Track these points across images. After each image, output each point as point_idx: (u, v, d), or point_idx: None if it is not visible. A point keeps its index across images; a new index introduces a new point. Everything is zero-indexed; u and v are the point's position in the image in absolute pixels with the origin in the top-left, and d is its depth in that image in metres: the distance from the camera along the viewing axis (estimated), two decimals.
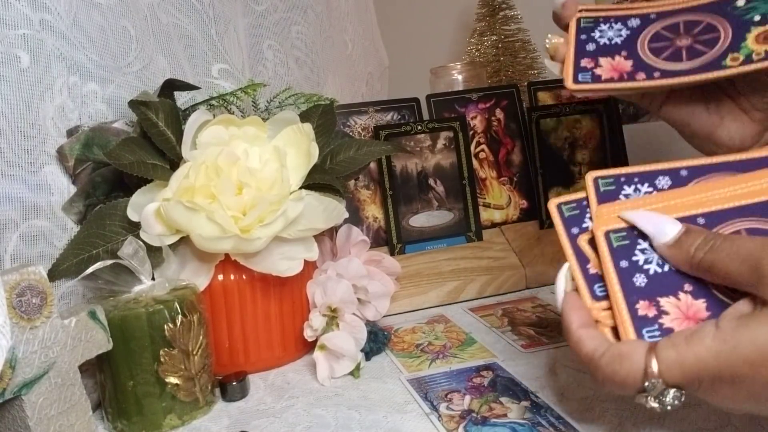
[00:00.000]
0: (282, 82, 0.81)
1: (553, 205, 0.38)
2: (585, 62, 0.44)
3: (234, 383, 0.49)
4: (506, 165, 0.78)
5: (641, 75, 0.42)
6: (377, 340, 0.55)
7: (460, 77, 0.94)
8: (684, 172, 0.37)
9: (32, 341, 0.38)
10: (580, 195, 0.37)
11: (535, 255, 0.71)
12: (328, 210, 0.53)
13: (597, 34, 0.45)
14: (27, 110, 0.47)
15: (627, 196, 0.36)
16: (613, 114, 0.78)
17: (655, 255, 0.34)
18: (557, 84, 0.89)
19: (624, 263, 0.34)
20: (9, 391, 0.37)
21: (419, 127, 0.74)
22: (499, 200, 0.77)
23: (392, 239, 0.71)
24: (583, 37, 0.45)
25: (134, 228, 0.50)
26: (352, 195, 0.73)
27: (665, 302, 0.32)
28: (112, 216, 0.50)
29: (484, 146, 0.78)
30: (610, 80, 0.42)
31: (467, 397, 0.45)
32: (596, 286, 0.34)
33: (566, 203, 0.38)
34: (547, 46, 0.46)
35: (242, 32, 0.77)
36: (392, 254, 0.71)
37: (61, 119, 0.50)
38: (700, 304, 0.32)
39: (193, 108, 0.58)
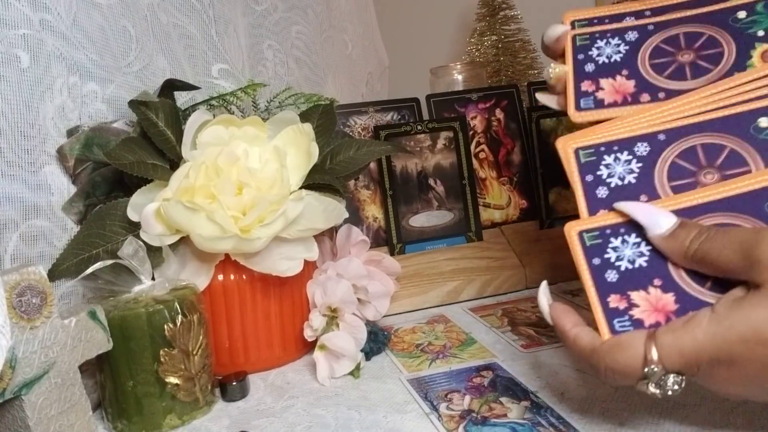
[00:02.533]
0: (282, 82, 0.81)
1: (573, 232, 0.37)
2: (586, 85, 0.42)
3: (234, 383, 0.49)
4: (506, 165, 0.78)
5: (645, 96, 0.40)
6: (377, 340, 0.55)
7: (460, 77, 0.94)
8: (662, 137, 0.38)
9: (32, 341, 0.38)
10: (602, 221, 0.37)
11: (535, 255, 0.71)
12: (328, 210, 0.53)
13: (595, 53, 0.43)
14: (27, 110, 0.47)
15: (608, 166, 0.38)
16: None
17: (627, 252, 0.35)
18: None
19: (596, 261, 0.36)
20: (9, 391, 0.37)
21: (419, 127, 0.74)
22: (499, 200, 0.77)
23: (392, 239, 0.71)
24: (581, 57, 0.43)
25: (134, 228, 0.50)
26: (352, 195, 0.73)
27: (635, 296, 0.34)
28: (112, 216, 0.50)
29: (484, 146, 0.78)
30: (614, 104, 0.41)
31: (467, 397, 0.45)
32: (616, 321, 0.34)
33: (588, 231, 0.37)
34: (551, 75, 0.43)
35: (242, 32, 0.77)
36: (392, 254, 0.71)
37: (61, 119, 0.50)
38: (669, 297, 0.33)
39: (193, 108, 0.58)
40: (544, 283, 0.38)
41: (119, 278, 0.47)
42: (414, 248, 0.72)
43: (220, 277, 0.53)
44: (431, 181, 0.74)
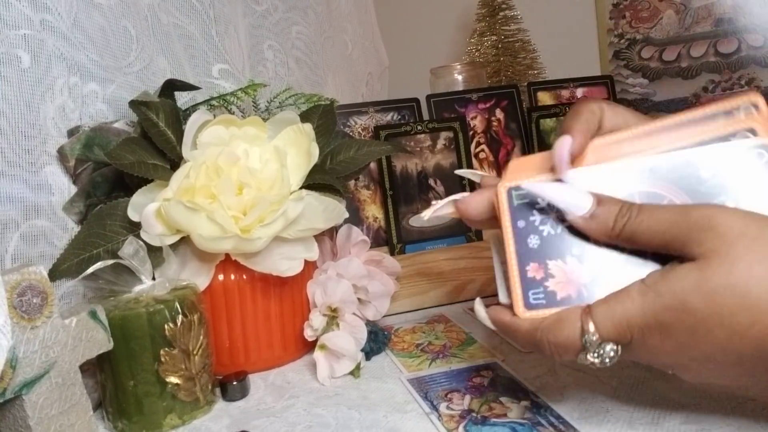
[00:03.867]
0: (282, 83, 0.81)
1: (503, 188, 0.35)
2: (532, 270, 0.34)
3: (234, 383, 0.49)
4: (506, 165, 0.78)
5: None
6: (377, 340, 0.55)
7: (460, 77, 0.94)
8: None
9: (33, 341, 0.38)
10: (533, 181, 0.34)
11: None
12: (328, 210, 0.53)
13: (537, 219, 0.34)
14: (28, 110, 0.47)
15: (541, 210, 0.34)
16: None
17: (551, 216, 0.34)
18: (557, 84, 0.89)
19: (521, 223, 0.34)
20: (10, 390, 0.37)
21: (419, 127, 0.74)
22: None
23: (392, 239, 0.71)
24: (521, 224, 0.34)
25: (135, 228, 0.50)
26: (352, 195, 0.73)
27: (553, 265, 0.33)
28: (113, 216, 0.50)
29: (484, 146, 0.79)
30: (567, 299, 0.33)
31: (467, 397, 0.45)
32: (531, 293, 0.33)
33: (517, 189, 0.35)
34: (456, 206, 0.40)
35: (243, 32, 0.77)
36: (392, 254, 0.71)
37: (61, 119, 0.50)
38: (584, 268, 0.33)
39: (194, 108, 0.58)
40: (478, 299, 0.37)
41: (120, 278, 0.47)
42: (414, 248, 0.72)
43: (221, 277, 0.53)
44: (431, 181, 0.74)
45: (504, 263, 0.35)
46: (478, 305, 0.37)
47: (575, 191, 0.33)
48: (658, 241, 0.31)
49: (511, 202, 0.35)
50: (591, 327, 0.31)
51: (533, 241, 0.34)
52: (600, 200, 0.32)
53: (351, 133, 0.75)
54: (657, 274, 0.30)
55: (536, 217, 0.34)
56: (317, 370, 0.51)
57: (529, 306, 0.33)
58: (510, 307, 0.35)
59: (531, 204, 0.34)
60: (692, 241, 0.29)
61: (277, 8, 0.84)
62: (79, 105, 0.52)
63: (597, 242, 0.33)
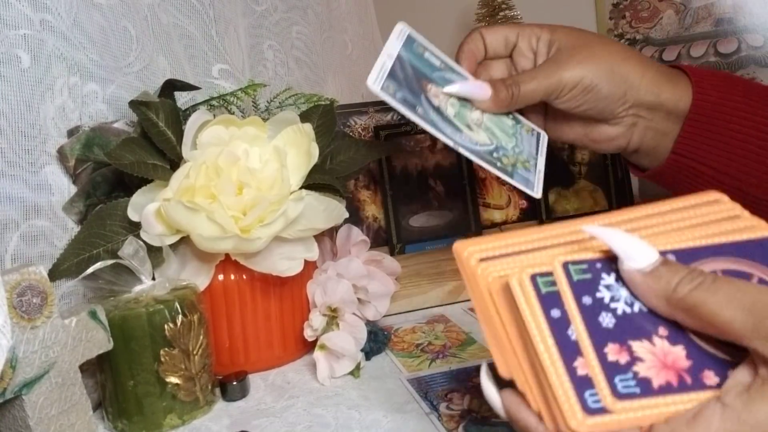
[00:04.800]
0: (282, 83, 0.81)
1: (557, 263, 0.29)
2: (613, 353, 0.27)
3: (234, 383, 0.49)
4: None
5: (710, 375, 0.27)
6: (377, 340, 0.55)
7: None
8: (671, 257, 0.29)
9: (33, 341, 0.38)
10: (590, 255, 0.29)
11: None
12: (328, 210, 0.53)
13: (606, 295, 0.29)
14: (27, 110, 0.47)
15: (608, 287, 0.29)
16: None
17: (624, 292, 0.28)
18: None
19: (587, 299, 0.28)
20: (9, 390, 0.37)
21: (419, 128, 0.74)
22: (499, 200, 0.77)
23: (392, 239, 0.71)
24: (587, 301, 0.28)
25: (135, 228, 0.50)
26: (352, 195, 0.73)
27: (638, 347, 0.27)
28: (113, 216, 0.50)
29: None
30: (668, 389, 0.27)
31: (467, 397, 0.45)
32: (618, 379, 0.27)
33: (575, 263, 0.29)
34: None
35: (242, 32, 0.77)
36: (392, 254, 0.71)
37: (61, 119, 0.50)
38: (679, 351, 0.27)
39: (194, 108, 0.58)
40: (484, 365, 0.31)
41: (120, 278, 0.47)
42: (414, 248, 0.72)
43: (221, 277, 0.53)
44: (431, 181, 0.74)
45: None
46: (486, 378, 0.30)
47: (639, 240, 0.28)
48: (729, 326, 0.25)
49: (570, 277, 0.28)
50: None
51: (606, 321, 0.28)
52: (666, 260, 0.28)
53: (351, 133, 0.75)
54: (740, 393, 0.24)
55: (604, 294, 0.28)
56: (317, 370, 0.51)
57: (618, 395, 0.26)
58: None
59: (595, 279, 0.29)
60: None
61: (277, 8, 0.84)
62: (78, 105, 0.52)
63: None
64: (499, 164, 0.46)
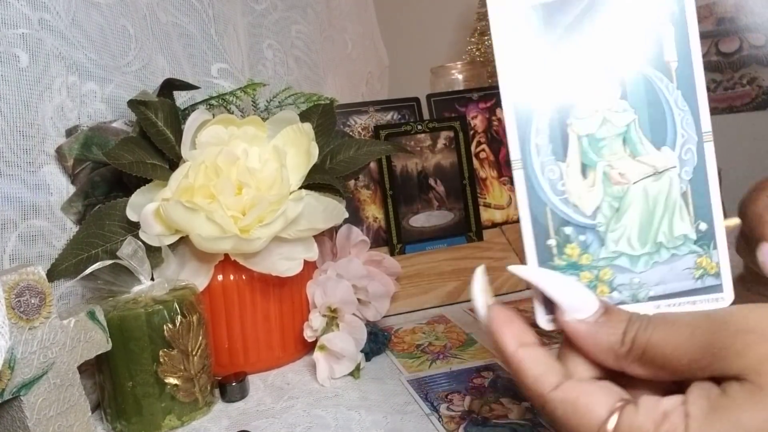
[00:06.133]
0: (282, 82, 0.81)
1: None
2: None
3: (233, 384, 0.49)
4: (507, 165, 0.78)
5: None
6: (377, 341, 0.55)
7: (460, 77, 0.94)
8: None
9: (31, 342, 0.38)
10: None
11: None
12: (328, 210, 0.53)
13: None
14: (26, 110, 0.47)
15: None
16: None
17: None
18: None
19: None
20: (8, 391, 0.37)
21: (419, 127, 0.74)
22: (500, 200, 0.77)
23: (392, 239, 0.71)
24: None
25: (133, 228, 0.50)
26: (352, 195, 0.73)
27: None
28: (111, 216, 0.50)
29: (484, 146, 0.78)
30: None
31: (468, 398, 0.45)
32: None
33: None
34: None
35: (242, 31, 0.76)
36: (392, 254, 0.70)
37: (60, 119, 0.50)
38: None
39: (193, 107, 0.58)
40: (480, 270, 0.28)
41: (118, 278, 0.47)
42: (414, 248, 0.72)
43: (220, 277, 0.53)
44: (431, 181, 0.74)
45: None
46: (478, 286, 0.28)
47: (582, 288, 0.26)
48: (679, 356, 0.23)
49: None
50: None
51: None
52: (607, 308, 0.26)
53: (351, 133, 0.75)
54: (704, 404, 0.22)
55: None
56: (317, 371, 0.51)
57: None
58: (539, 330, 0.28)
59: None
60: (729, 351, 0.22)
61: (277, 7, 0.84)
62: (77, 104, 0.52)
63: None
64: None
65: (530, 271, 0.27)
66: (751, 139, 1.22)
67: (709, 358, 0.22)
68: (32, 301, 0.38)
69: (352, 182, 0.72)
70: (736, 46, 1.15)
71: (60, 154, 0.50)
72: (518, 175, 0.28)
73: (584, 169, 0.28)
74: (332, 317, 0.54)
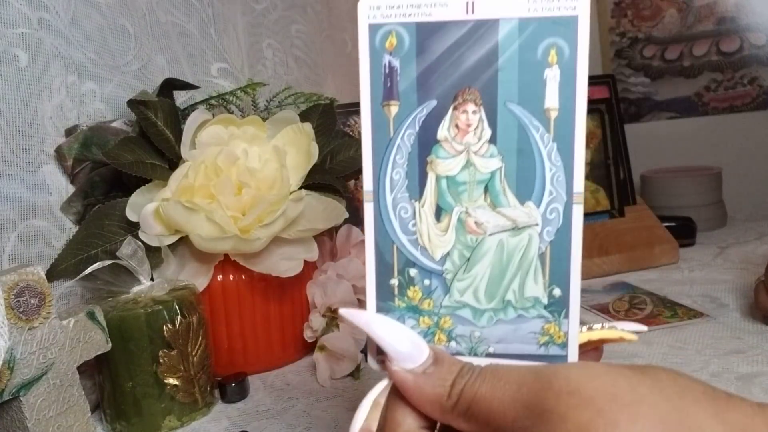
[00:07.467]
0: (281, 82, 0.81)
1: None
2: None
3: (233, 384, 0.49)
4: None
5: None
6: None
7: None
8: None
9: (30, 342, 0.38)
10: None
11: None
12: (328, 210, 0.53)
13: None
14: (25, 109, 0.47)
15: None
16: (614, 113, 0.78)
17: None
18: None
19: None
20: (7, 392, 0.37)
21: None
22: None
23: None
24: None
25: (133, 228, 0.50)
26: (352, 195, 0.72)
27: None
28: (111, 216, 0.50)
29: None
30: None
31: None
32: None
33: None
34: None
35: (241, 31, 0.76)
36: None
37: (59, 118, 0.50)
38: None
39: (193, 107, 0.58)
40: (376, 389, 0.28)
41: (118, 279, 0.47)
42: None
43: (220, 277, 0.52)
44: None
45: None
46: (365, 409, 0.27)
47: (413, 336, 0.25)
48: (504, 413, 0.22)
49: None
50: None
51: None
52: (438, 357, 0.24)
53: (351, 133, 0.74)
54: None
55: None
56: (317, 372, 0.51)
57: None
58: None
59: None
60: (553, 415, 0.20)
61: (276, 6, 0.84)
62: (77, 104, 0.52)
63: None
64: None
65: (360, 315, 0.26)
66: (751, 138, 1.22)
67: (533, 418, 0.21)
68: (32, 302, 0.38)
69: (352, 182, 0.72)
70: (737, 45, 1.14)
71: (59, 154, 0.50)
72: (368, 207, 0.26)
73: (439, 211, 0.26)
74: (332, 317, 0.54)
